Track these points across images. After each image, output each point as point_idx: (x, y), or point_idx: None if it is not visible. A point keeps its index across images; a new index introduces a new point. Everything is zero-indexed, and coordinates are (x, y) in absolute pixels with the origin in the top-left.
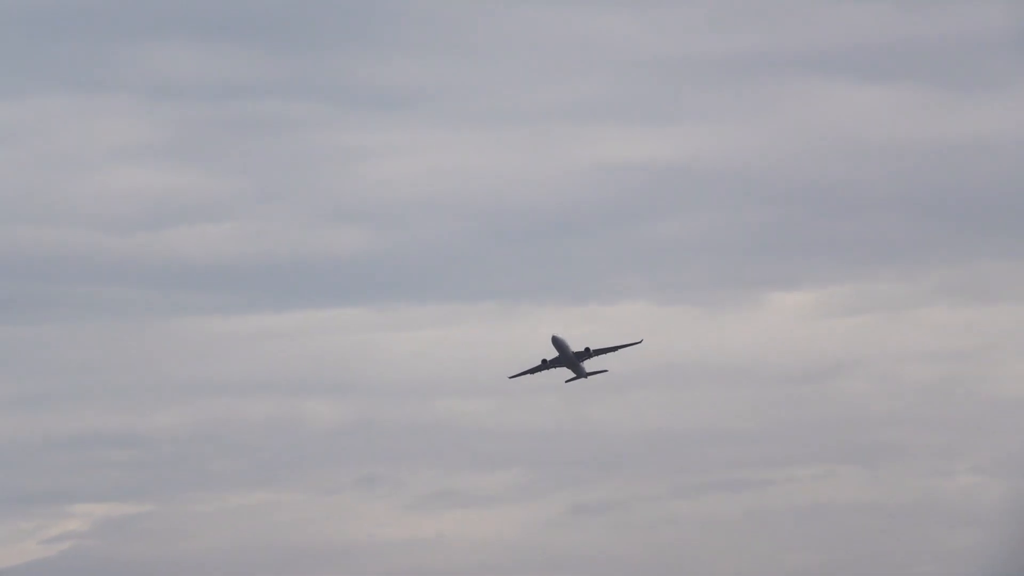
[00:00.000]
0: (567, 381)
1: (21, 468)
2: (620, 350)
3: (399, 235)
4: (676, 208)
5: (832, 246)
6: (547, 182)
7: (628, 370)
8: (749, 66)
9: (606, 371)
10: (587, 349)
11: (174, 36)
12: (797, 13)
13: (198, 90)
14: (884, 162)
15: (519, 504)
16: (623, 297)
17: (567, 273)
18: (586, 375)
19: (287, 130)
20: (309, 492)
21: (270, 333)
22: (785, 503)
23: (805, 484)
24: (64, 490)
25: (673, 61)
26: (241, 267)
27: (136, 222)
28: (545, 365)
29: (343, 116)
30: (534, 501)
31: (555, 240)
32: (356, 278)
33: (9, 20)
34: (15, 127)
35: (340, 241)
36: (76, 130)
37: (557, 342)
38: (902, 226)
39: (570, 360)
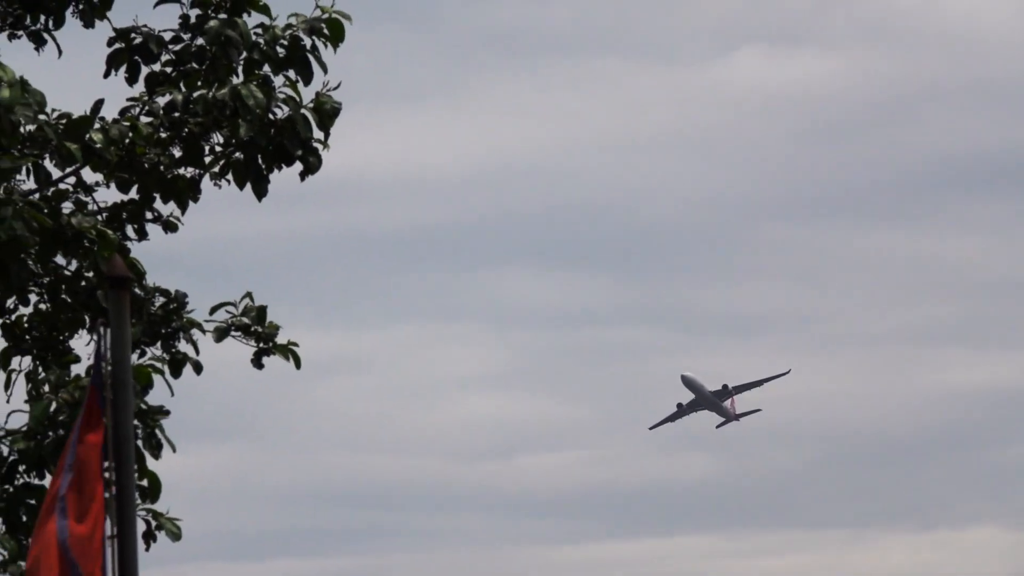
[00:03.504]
0: (717, 427)
1: None
2: (766, 383)
3: (744, 461)
4: None
5: None
6: (893, 407)
7: None
8: None
9: (759, 411)
10: (724, 387)
11: (522, 265)
12: None
13: (545, 318)
14: None
15: None
16: (972, 523)
17: (914, 499)
18: (736, 417)
19: (633, 356)
20: None
21: (619, 561)
22: None
23: None
24: None
25: (1020, 283)
26: (589, 495)
27: (485, 450)
28: (682, 410)
29: (688, 342)
30: None
31: (902, 465)
32: (702, 505)
33: (361, 253)
34: (367, 356)
35: (686, 467)
36: (426, 359)
37: (688, 382)
38: None
39: (709, 401)
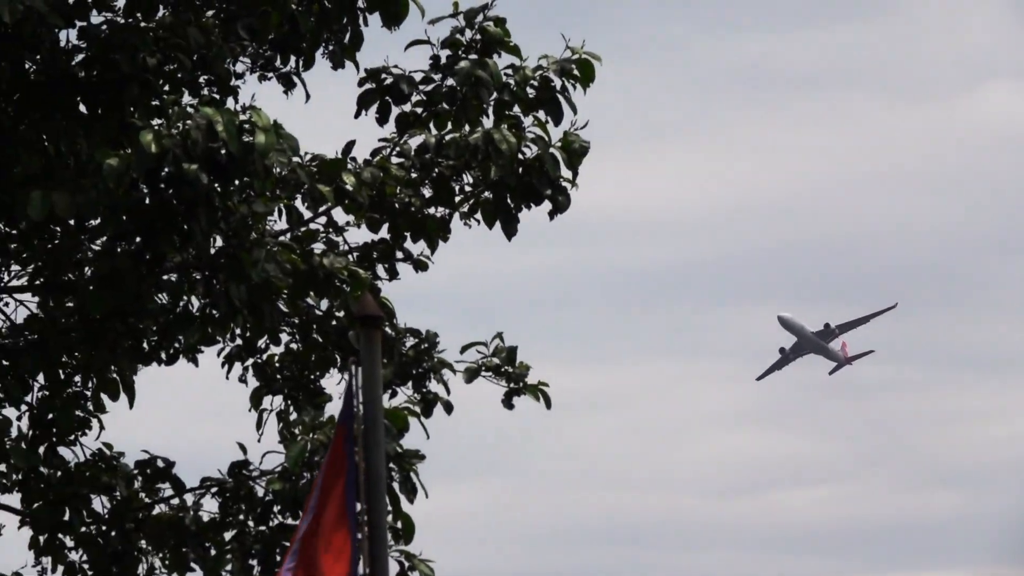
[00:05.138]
0: (830, 373)
1: None
2: (872, 319)
3: (995, 498)
4: None
5: None
6: None
7: None
8: None
9: (873, 351)
10: (827, 325)
11: (769, 301)
12: None
13: None
14: None
15: None
16: None
17: None
18: (849, 360)
19: (881, 393)
20: None
21: None
22: None
23: None
24: None
25: None
26: (840, 531)
27: (736, 487)
28: (785, 355)
29: (939, 379)
30: None
31: None
32: (952, 542)
33: (609, 290)
34: (616, 393)
35: (935, 505)
36: (675, 395)
37: (786, 323)
38: None
39: (813, 343)
